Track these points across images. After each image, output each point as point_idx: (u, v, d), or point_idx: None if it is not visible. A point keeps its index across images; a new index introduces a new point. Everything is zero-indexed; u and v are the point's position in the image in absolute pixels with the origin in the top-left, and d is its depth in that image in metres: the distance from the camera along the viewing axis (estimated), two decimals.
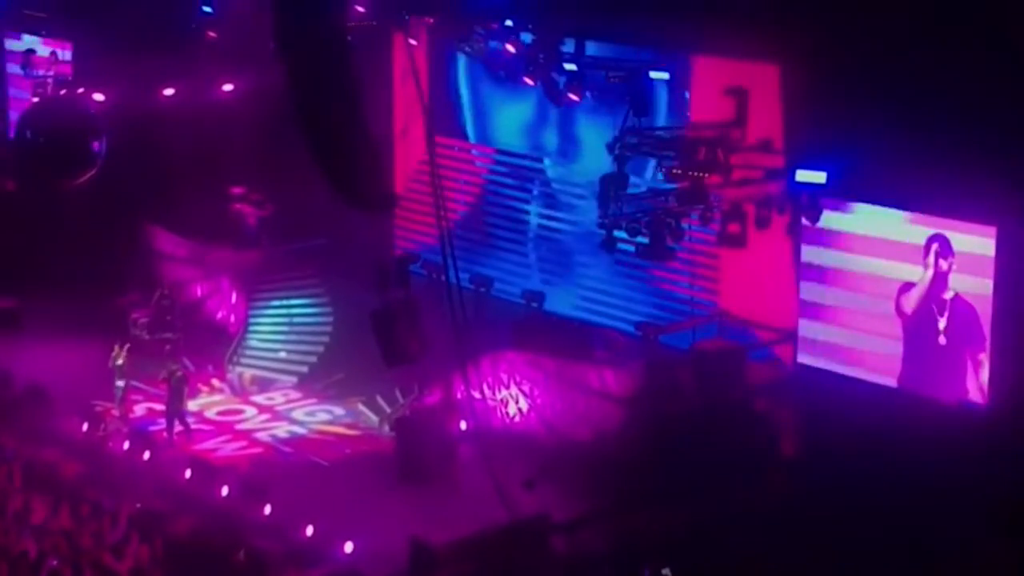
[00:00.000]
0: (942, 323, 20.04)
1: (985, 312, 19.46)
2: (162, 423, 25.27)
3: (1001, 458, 18.74)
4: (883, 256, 20.34)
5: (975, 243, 19.43)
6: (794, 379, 22.18)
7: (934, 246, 19.90)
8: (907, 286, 20.33)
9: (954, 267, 19.80)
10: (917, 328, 20.34)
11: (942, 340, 20.07)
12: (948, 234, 19.75)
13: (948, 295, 19.96)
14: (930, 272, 20.05)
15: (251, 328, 29.00)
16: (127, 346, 26.15)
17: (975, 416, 19.23)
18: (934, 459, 19.01)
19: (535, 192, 28.91)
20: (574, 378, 24.09)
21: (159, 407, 25.73)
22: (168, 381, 25.23)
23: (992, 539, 18.62)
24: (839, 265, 20.88)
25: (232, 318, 29.59)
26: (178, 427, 25.12)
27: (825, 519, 19.84)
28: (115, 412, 25.65)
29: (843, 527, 19.59)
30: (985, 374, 19.48)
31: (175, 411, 25.13)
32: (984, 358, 19.56)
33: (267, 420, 26.34)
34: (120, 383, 25.73)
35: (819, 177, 19.78)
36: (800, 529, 19.96)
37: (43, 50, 29.55)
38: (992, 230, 18.97)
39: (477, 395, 23.89)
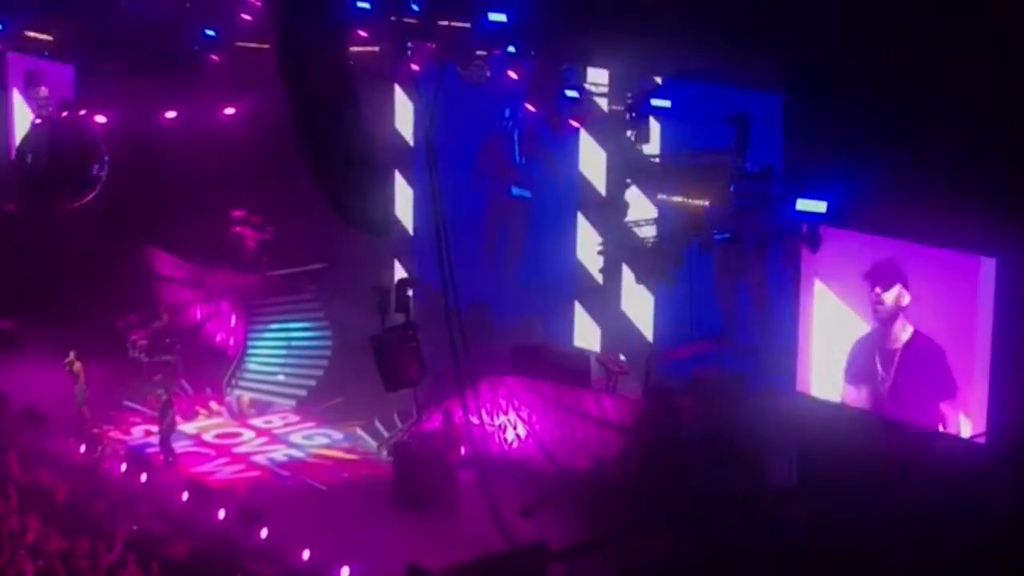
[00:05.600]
0: (888, 376, 19.88)
1: (959, 353, 19.23)
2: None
3: (1002, 492, 18.68)
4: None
5: (952, 268, 19.18)
6: (794, 408, 22.14)
7: (877, 279, 19.70)
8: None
9: (911, 301, 19.54)
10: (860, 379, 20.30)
11: (889, 396, 19.89)
12: (900, 260, 19.50)
13: (901, 338, 19.74)
14: (874, 311, 19.90)
15: (250, 351, 28.95)
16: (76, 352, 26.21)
17: (976, 449, 19.18)
18: (934, 490, 18.97)
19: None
20: (573, 404, 24.06)
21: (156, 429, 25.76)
22: (157, 405, 25.28)
23: (992, 572, 18.58)
24: (835, 293, 20.89)
25: (231, 341, 29.56)
26: (176, 449, 25.17)
27: (825, 548, 19.79)
28: (86, 417, 25.81)
29: (843, 556, 19.54)
30: (958, 425, 19.35)
31: (164, 434, 25.12)
32: (948, 407, 19.35)
33: (265, 443, 26.30)
34: (80, 389, 25.93)
35: (820, 206, 19.79)
36: (799, 558, 19.90)
37: (45, 72, 29.61)
38: (992, 261, 18.95)
39: (476, 420, 23.86)
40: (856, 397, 20.36)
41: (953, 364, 19.21)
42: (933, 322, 19.39)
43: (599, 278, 26.89)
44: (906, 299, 19.50)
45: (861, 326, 20.48)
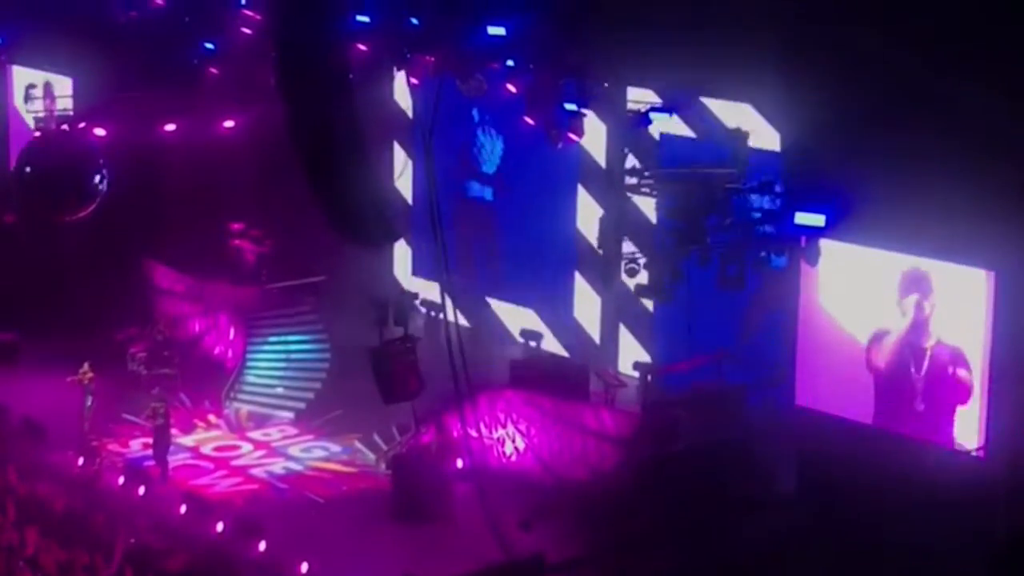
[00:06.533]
0: (920, 377, 19.93)
1: (974, 361, 19.23)
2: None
3: (999, 504, 18.67)
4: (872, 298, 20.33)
5: (964, 280, 19.25)
6: (793, 421, 22.15)
7: (912, 286, 19.74)
8: (880, 335, 20.25)
9: (936, 309, 19.63)
10: (891, 382, 20.17)
11: (919, 398, 19.86)
12: (930, 271, 19.53)
13: (928, 343, 19.82)
14: (908, 319, 19.96)
15: (248, 364, 28.95)
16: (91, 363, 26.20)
17: (973, 461, 19.18)
18: (932, 502, 18.96)
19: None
20: (571, 418, 24.04)
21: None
22: (152, 420, 25.20)
23: None
24: (834, 307, 20.87)
25: (230, 354, 29.56)
26: (171, 463, 25.13)
27: (823, 563, 19.78)
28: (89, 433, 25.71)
29: (841, 570, 19.53)
30: (969, 426, 19.34)
31: (159, 449, 25.05)
32: (964, 410, 19.38)
33: (263, 456, 26.28)
34: (88, 401, 25.85)
35: (818, 220, 19.79)
36: (798, 571, 19.90)
37: (45, 83, 29.66)
38: (991, 275, 18.95)
39: (474, 433, 23.86)
40: (885, 394, 20.23)
41: (971, 372, 19.22)
42: (953, 332, 19.43)
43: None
44: (936, 309, 19.53)
45: (861, 340, 20.48)
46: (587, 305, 28.09)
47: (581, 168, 27.63)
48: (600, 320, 27.84)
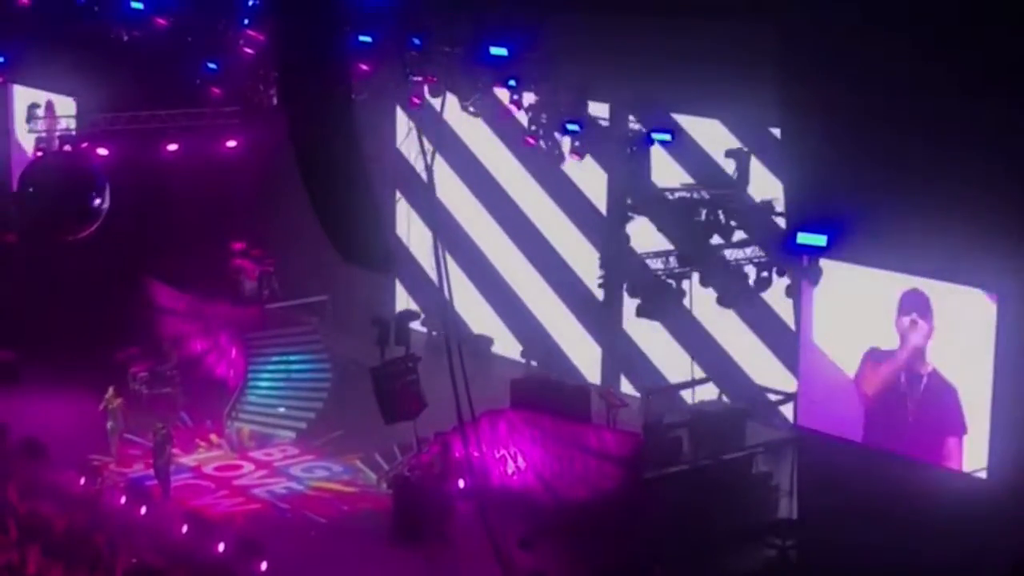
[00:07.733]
0: (915, 401, 19.85)
1: (967, 393, 19.18)
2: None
3: (1001, 528, 18.63)
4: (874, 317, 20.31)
5: (966, 303, 19.22)
6: (794, 441, 22.14)
7: (910, 306, 19.67)
8: (872, 356, 20.17)
9: (935, 335, 19.63)
10: (883, 405, 20.08)
11: (912, 423, 19.78)
12: (930, 294, 19.44)
13: (925, 369, 19.78)
14: (902, 339, 19.89)
15: (250, 383, 28.96)
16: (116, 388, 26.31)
17: (976, 483, 19.15)
18: (934, 525, 18.93)
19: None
20: (573, 437, 24.04)
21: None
22: (154, 438, 25.24)
23: None
24: (836, 327, 20.87)
25: (231, 373, 29.56)
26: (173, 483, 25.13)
27: None
28: (111, 456, 25.76)
29: None
30: (970, 448, 19.29)
31: (160, 468, 25.05)
32: (956, 443, 19.32)
33: (264, 476, 26.27)
34: (111, 424, 25.92)
35: (820, 240, 19.79)
36: None
37: (47, 103, 29.71)
38: (993, 298, 18.93)
39: (475, 453, 23.85)
40: (876, 415, 20.16)
41: (965, 402, 19.14)
42: (951, 360, 19.38)
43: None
44: (935, 335, 19.45)
45: (859, 359, 20.47)
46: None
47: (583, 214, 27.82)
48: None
